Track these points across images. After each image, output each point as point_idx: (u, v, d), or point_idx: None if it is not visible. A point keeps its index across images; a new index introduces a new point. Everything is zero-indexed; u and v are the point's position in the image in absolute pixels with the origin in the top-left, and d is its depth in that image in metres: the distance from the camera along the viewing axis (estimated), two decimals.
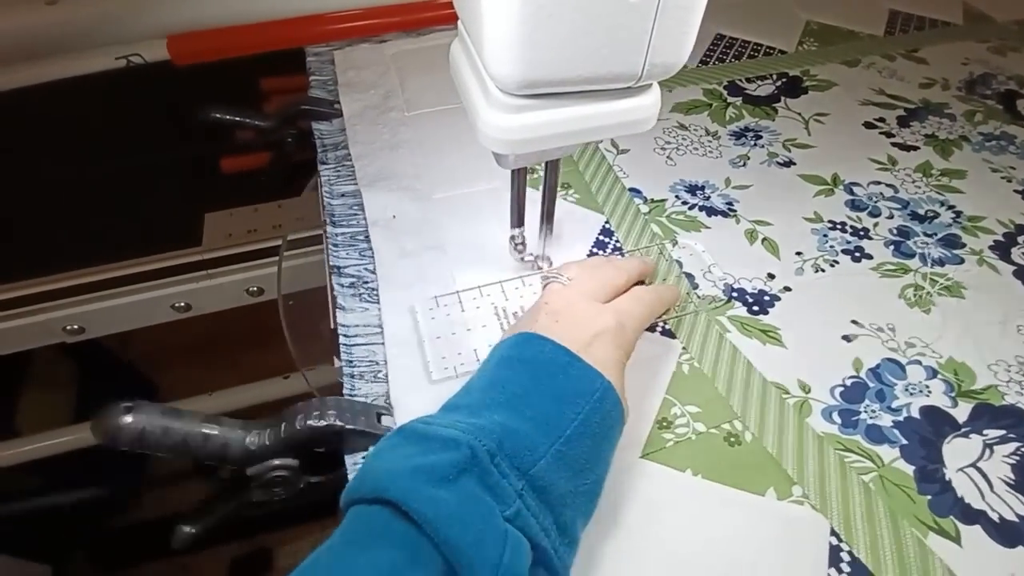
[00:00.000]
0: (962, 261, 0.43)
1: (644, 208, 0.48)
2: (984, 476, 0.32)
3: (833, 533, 0.29)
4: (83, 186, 0.72)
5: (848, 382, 0.36)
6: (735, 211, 0.47)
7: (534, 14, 0.23)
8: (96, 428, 0.28)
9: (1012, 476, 0.32)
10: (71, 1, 0.59)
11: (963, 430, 0.33)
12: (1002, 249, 0.44)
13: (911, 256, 0.44)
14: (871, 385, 0.36)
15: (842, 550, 0.28)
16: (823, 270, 0.43)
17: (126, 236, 0.70)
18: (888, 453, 0.32)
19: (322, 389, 0.57)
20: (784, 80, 0.61)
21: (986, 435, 0.33)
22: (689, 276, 0.43)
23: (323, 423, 0.30)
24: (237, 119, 0.58)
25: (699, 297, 0.42)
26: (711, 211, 0.47)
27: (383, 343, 0.38)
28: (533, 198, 0.39)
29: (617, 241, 0.45)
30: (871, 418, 0.34)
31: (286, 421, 0.31)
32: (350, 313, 0.40)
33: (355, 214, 0.47)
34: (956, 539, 0.29)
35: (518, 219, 0.38)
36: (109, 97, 0.65)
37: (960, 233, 0.45)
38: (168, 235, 0.70)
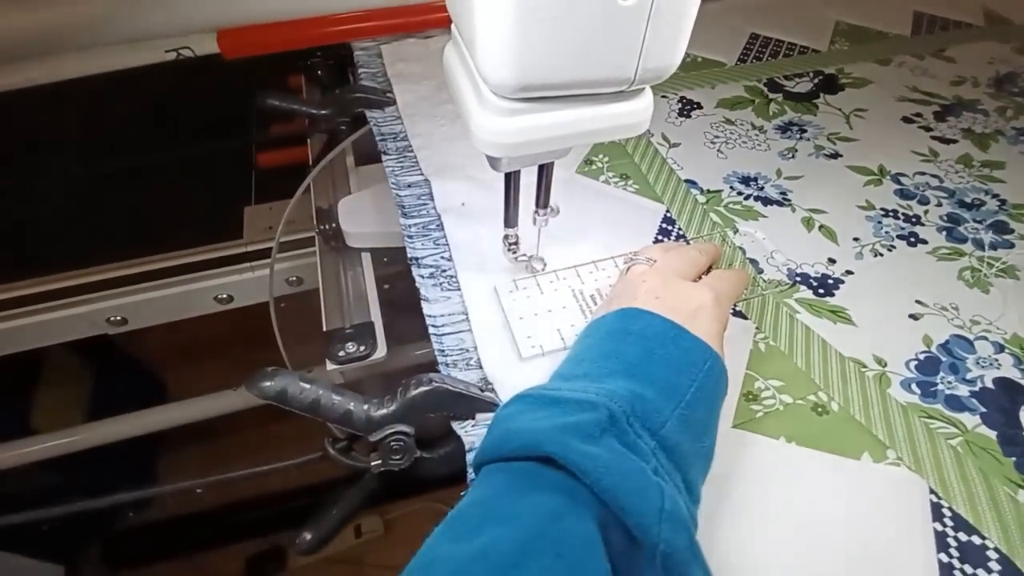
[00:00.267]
0: (1012, 246, 0.45)
1: (701, 198, 0.49)
2: None
3: (931, 492, 0.31)
4: (129, 179, 0.72)
5: (921, 356, 0.38)
6: (789, 200, 0.49)
7: (527, 18, 0.24)
8: (248, 386, 0.30)
9: None
10: None
11: None
12: None
13: (964, 241, 0.46)
14: (943, 359, 0.37)
15: (942, 507, 0.30)
16: (881, 254, 0.45)
17: (169, 228, 0.71)
18: (970, 420, 0.34)
19: None
20: (821, 77, 0.63)
21: None
22: (753, 262, 0.44)
23: (433, 385, 0.32)
24: (293, 107, 0.59)
25: (765, 280, 0.43)
26: (766, 200, 0.49)
27: (470, 330, 0.39)
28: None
29: (680, 229, 0.47)
30: (948, 389, 0.36)
31: (401, 390, 0.32)
32: (434, 303, 0.41)
33: (424, 204, 0.48)
34: None
35: (512, 220, 0.39)
36: (159, 90, 0.65)
37: (1008, 220, 0.47)
38: (210, 228, 0.70)
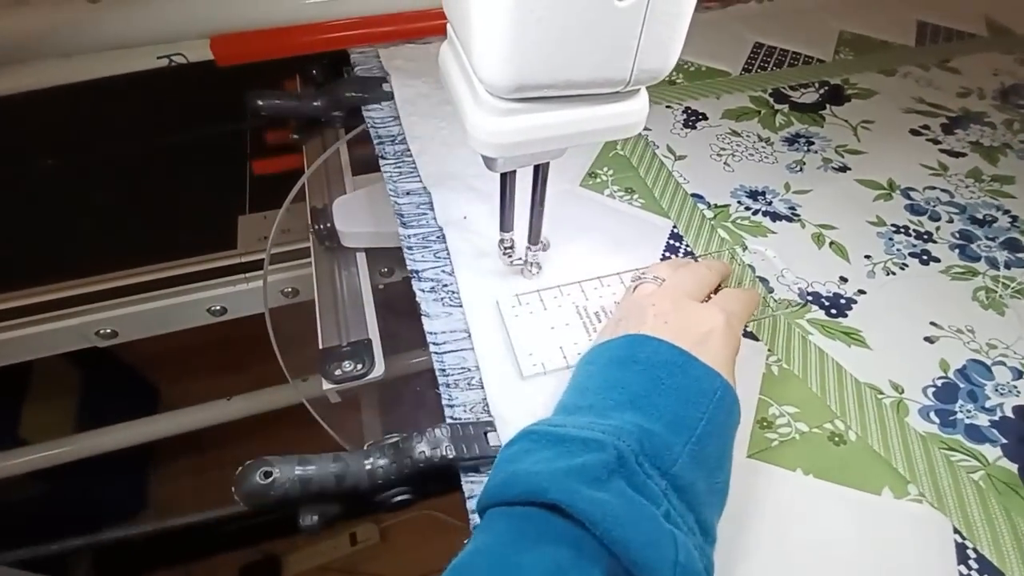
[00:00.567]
0: None
1: (709, 213, 0.48)
2: None
3: (955, 531, 0.30)
4: (120, 187, 0.70)
5: (939, 382, 0.37)
6: (799, 216, 0.48)
7: (523, 19, 0.23)
8: (239, 493, 0.28)
9: None
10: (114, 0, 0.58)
11: None
12: None
13: (977, 259, 0.45)
14: (961, 385, 0.36)
15: (967, 547, 0.29)
16: (894, 273, 0.44)
17: (161, 238, 0.69)
18: (991, 452, 0.33)
19: (312, 401, 0.57)
20: (826, 88, 0.62)
21: None
22: (764, 280, 0.43)
23: (439, 456, 0.31)
24: (285, 102, 0.58)
25: (775, 300, 0.42)
26: (775, 216, 0.48)
27: (472, 348, 0.38)
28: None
29: (687, 246, 0.45)
30: (968, 418, 0.35)
31: (405, 452, 0.31)
32: (435, 319, 0.40)
33: (423, 214, 0.47)
34: None
35: (507, 223, 0.38)
36: (150, 97, 0.63)
37: (1020, 237, 0.47)
38: (202, 239, 0.68)
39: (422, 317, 0.40)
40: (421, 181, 0.49)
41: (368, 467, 0.31)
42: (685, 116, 0.57)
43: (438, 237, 0.45)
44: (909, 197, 0.50)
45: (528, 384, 0.36)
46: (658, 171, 0.52)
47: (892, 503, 0.31)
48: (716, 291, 0.39)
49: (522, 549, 0.22)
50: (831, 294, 0.42)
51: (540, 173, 0.35)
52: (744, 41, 0.68)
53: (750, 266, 0.44)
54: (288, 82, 0.72)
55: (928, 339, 0.39)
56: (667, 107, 0.58)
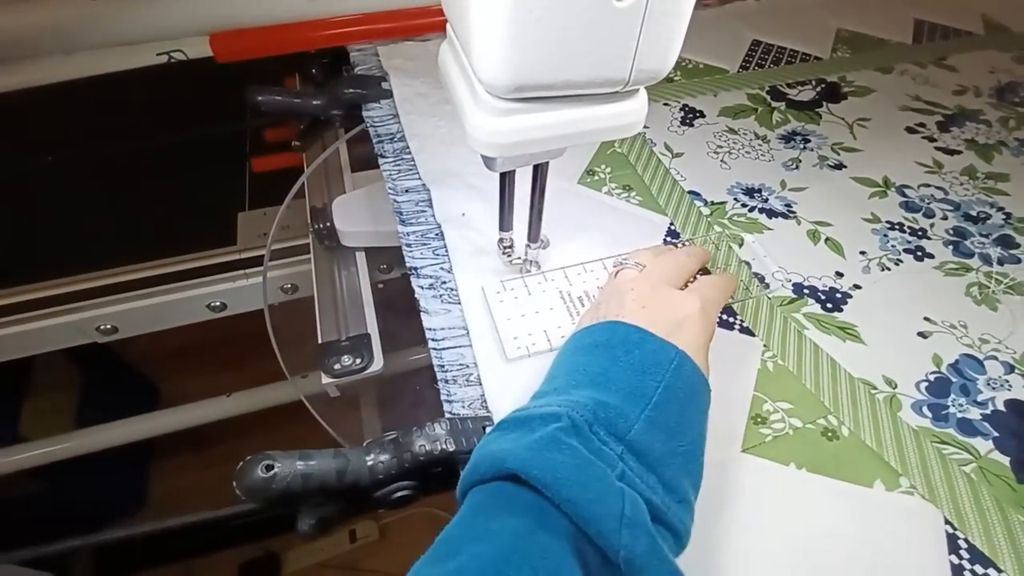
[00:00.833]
0: (1019, 261, 0.45)
1: (705, 210, 0.48)
2: None
3: (947, 522, 0.30)
4: (120, 183, 0.71)
5: (931, 377, 0.37)
6: (794, 212, 0.48)
7: (522, 19, 0.24)
8: (240, 487, 0.28)
9: None
10: None
11: None
12: None
13: (971, 256, 0.45)
14: (954, 380, 0.37)
15: (958, 538, 0.29)
16: (889, 268, 0.44)
17: (160, 235, 0.69)
18: (983, 445, 0.33)
19: (311, 397, 0.57)
20: (823, 86, 0.62)
21: None
22: (759, 276, 0.44)
23: (439, 449, 0.31)
24: (284, 99, 0.58)
25: (759, 283, 0.43)
26: (771, 213, 0.48)
27: (471, 345, 0.38)
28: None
29: (687, 242, 0.46)
30: (960, 412, 0.35)
31: (405, 446, 0.31)
32: (434, 316, 0.40)
33: (422, 211, 0.47)
34: None
35: (506, 223, 0.39)
36: (150, 93, 0.64)
37: (1013, 234, 0.47)
38: (202, 235, 0.69)
39: (421, 314, 0.40)
40: (420, 179, 0.49)
41: (369, 462, 0.31)
42: (683, 114, 0.58)
43: (437, 234, 0.45)
44: (904, 194, 0.50)
45: (514, 367, 0.37)
46: (655, 168, 0.52)
47: (884, 495, 0.31)
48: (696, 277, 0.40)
49: (490, 517, 0.24)
50: (827, 288, 0.43)
51: (539, 173, 0.35)
52: (742, 38, 0.68)
53: (746, 262, 0.44)
54: (288, 80, 0.73)
55: (921, 334, 0.40)
56: (665, 104, 0.59)
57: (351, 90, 0.56)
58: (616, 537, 0.23)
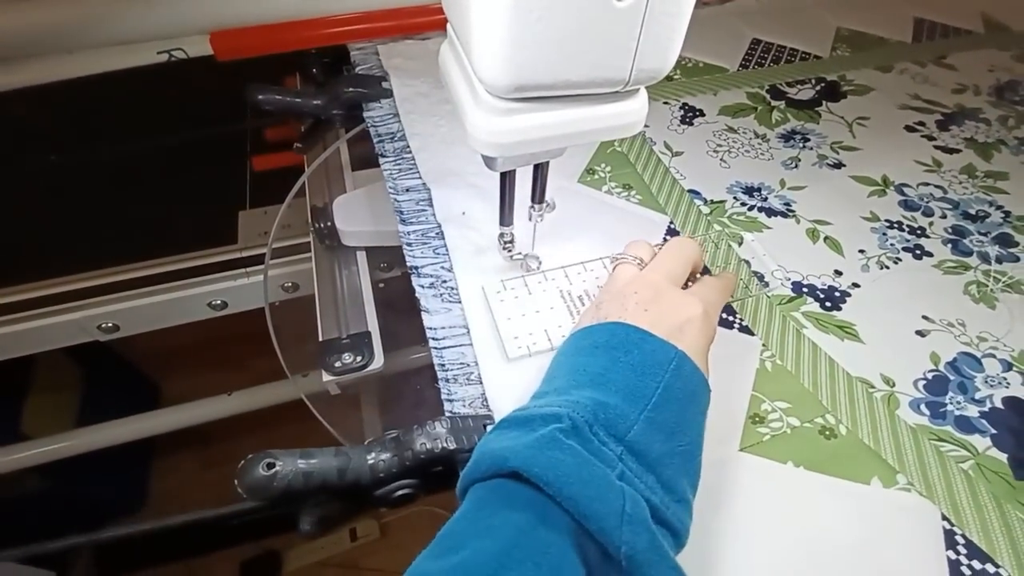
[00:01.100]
0: (1018, 259, 0.45)
1: (705, 209, 0.49)
2: None
3: (944, 518, 0.30)
4: (121, 182, 0.71)
5: (929, 375, 0.37)
6: (794, 211, 0.49)
7: (523, 18, 0.24)
8: (243, 485, 0.29)
9: None
10: None
11: None
12: None
13: (969, 254, 0.45)
14: (952, 378, 0.37)
15: (956, 534, 0.30)
16: (887, 267, 0.44)
17: (162, 234, 0.69)
18: (981, 442, 0.34)
19: (312, 396, 0.58)
20: (823, 84, 0.62)
21: None
22: (759, 275, 0.44)
23: (440, 447, 0.32)
24: (285, 98, 0.58)
25: (759, 282, 0.43)
26: (770, 212, 0.48)
27: (471, 343, 0.39)
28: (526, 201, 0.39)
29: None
30: (958, 409, 0.35)
31: (406, 444, 0.32)
32: (435, 315, 0.40)
33: (423, 210, 0.47)
34: None
35: (507, 218, 0.39)
36: (150, 92, 0.64)
37: (1012, 232, 0.47)
38: (204, 234, 0.69)
39: (422, 313, 0.40)
40: (420, 178, 0.49)
41: (371, 461, 0.31)
42: (682, 112, 0.58)
43: (437, 233, 0.45)
44: (903, 193, 0.50)
45: (514, 366, 0.37)
46: (655, 167, 0.52)
47: (881, 492, 0.31)
48: (695, 277, 0.40)
49: (493, 512, 0.24)
50: (826, 286, 0.43)
51: (540, 172, 0.36)
52: (742, 37, 0.68)
53: (746, 261, 0.45)
54: (289, 79, 0.73)
55: (919, 332, 0.40)
56: (665, 103, 0.59)
57: (351, 89, 0.56)
58: (617, 534, 0.23)
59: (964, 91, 0.62)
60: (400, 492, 0.32)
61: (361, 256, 0.56)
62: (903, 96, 0.61)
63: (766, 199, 0.50)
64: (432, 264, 0.43)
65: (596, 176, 0.51)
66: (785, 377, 0.37)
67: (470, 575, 0.22)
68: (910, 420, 0.35)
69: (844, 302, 0.42)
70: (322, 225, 0.55)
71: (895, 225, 0.48)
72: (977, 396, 0.36)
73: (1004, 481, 0.32)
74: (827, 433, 0.34)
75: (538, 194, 0.37)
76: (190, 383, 1.08)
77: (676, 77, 0.62)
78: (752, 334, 0.40)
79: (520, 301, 0.40)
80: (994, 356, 0.38)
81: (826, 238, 0.46)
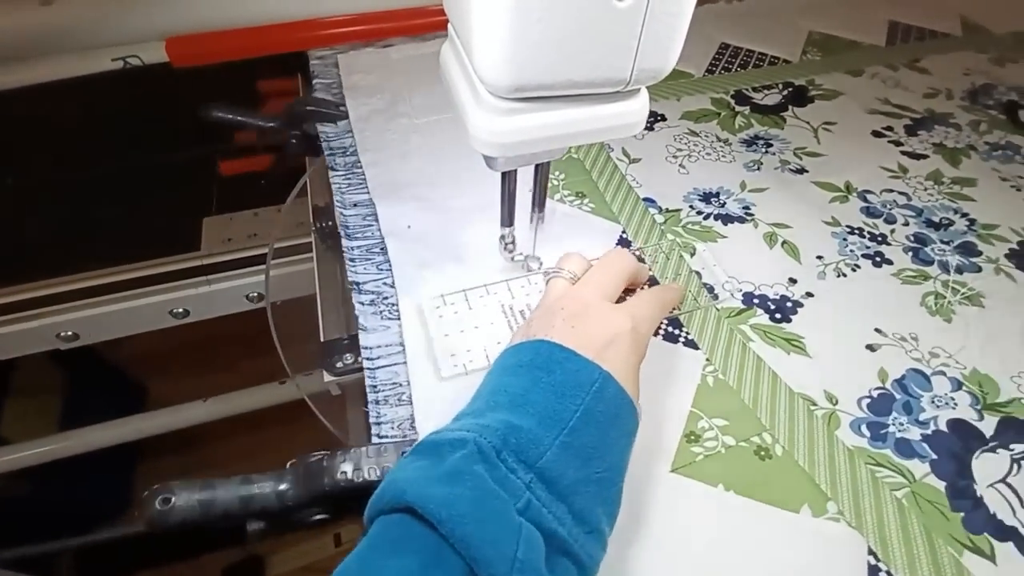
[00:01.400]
0: (980, 269, 0.43)
1: (660, 218, 0.47)
2: (1014, 491, 0.32)
3: (871, 552, 0.29)
4: (79, 189, 0.70)
5: (875, 393, 0.36)
6: (752, 215, 0.47)
7: (524, 18, 0.23)
8: (142, 519, 0.29)
9: None
10: (66, 1, 0.58)
11: (991, 444, 0.33)
12: (1018, 258, 0.44)
13: (930, 263, 0.44)
14: (898, 396, 0.36)
15: (880, 570, 0.28)
16: (845, 274, 0.43)
17: (123, 240, 0.69)
18: (919, 468, 0.32)
19: (314, 396, 0.56)
20: (790, 89, 0.61)
21: (1013, 450, 0.33)
22: (709, 287, 0.42)
23: (342, 481, 0.31)
24: (239, 119, 0.57)
25: (708, 294, 0.41)
26: (727, 218, 0.47)
27: (405, 362, 0.37)
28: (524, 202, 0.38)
29: (638, 251, 0.45)
30: (900, 431, 0.34)
31: (321, 473, 0.31)
32: (372, 333, 0.39)
33: (369, 225, 0.46)
34: (991, 557, 0.29)
35: (508, 219, 0.38)
36: (105, 99, 0.63)
37: (976, 241, 0.46)
38: (166, 240, 0.68)
39: (359, 332, 0.39)
40: (368, 193, 0.48)
41: (280, 489, 0.31)
42: None
43: (381, 249, 0.44)
44: (866, 200, 0.49)
45: (448, 385, 0.36)
46: (611, 175, 0.51)
47: (810, 521, 0.30)
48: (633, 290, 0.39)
49: (385, 554, 0.23)
50: (778, 297, 0.41)
51: (540, 172, 0.36)
52: (710, 41, 0.66)
53: (697, 272, 0.43)
54: (278, 80, 0.71)
55: (870, 347, 0.38)
56: None
57: (310, 119, 0.55)
58: None
59: (936, 95, 0.60)
60: (316, 517, 0.32)
61: None
62: (872, 101, 0.59)
63: (724, 204, 0.48)
64: (374, 280, 0.42)
65: (550, 184, 0.50)
66: (726, 392, 0.36)
67: None
68: (849, 441, 0.33)
69: (795, 313, 0.40)
70: (323, 224, 0.54)
71: (856, 231, 0.46)
72: (921, 417, 0.35)
73: (938, 512, 0.30)
74: (762, 453, 0.33)
75: (539, 196, 0.37)
76: (178, 386, 1.07)
77: None
78: (697, 348, 0.39)
79: (459, 317, 0.39)
80: (944, 374, 0.37)
81: (784, 243, 0.45)
